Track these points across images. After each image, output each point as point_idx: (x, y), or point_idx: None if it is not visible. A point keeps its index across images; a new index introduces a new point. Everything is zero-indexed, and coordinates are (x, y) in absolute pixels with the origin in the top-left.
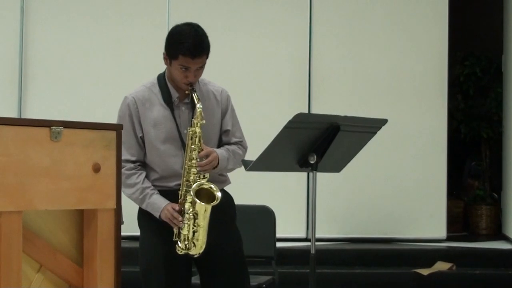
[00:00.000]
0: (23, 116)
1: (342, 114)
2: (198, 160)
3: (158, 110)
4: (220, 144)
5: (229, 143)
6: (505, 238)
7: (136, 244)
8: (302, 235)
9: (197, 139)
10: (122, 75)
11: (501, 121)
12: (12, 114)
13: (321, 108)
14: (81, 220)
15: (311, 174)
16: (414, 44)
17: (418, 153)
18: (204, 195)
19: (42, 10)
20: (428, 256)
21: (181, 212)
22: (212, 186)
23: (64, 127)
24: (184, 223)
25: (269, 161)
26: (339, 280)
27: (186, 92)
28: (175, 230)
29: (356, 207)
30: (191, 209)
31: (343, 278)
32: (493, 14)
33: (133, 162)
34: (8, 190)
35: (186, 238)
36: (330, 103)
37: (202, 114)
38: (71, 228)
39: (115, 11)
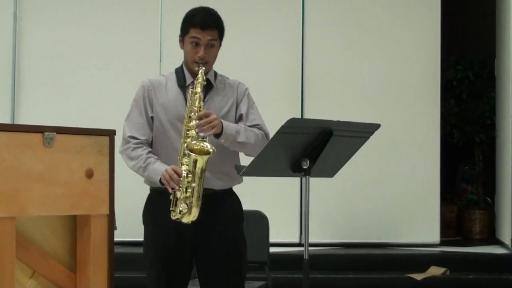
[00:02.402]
0: (16, 122)
1: (335, 119)
2: (197, 121)
3: (171, 92)
4: None
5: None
6: (498, 243)
7: (129, 250)
8: (296, 240)
9: (197, 101)
10: (115, 81)
11: (494, 125)
12: (5, 119)
13: (314, 113)
14: (74, 225)
15: (304, 179)
16: (406, 48)
17: (411, 157)
18: (198, 153)
19: (35, 17)
20: (421, 261)
21: (178, 174)
22: (204, 144)
23: (57, 133)
24: (181, 187)
25: (262, 166)
26: (332, 285)
27: (196, 68)
28: (171, 197)
29: (349, 212)
30: (185, 166)
31: (337, 283)
32: (485, 18)
33: (141, 139)
34: (1, 196)
35: (181, 202)
36: (323, 108)
37: (204, 76)
38: (64, 234)
39: (108, 18)
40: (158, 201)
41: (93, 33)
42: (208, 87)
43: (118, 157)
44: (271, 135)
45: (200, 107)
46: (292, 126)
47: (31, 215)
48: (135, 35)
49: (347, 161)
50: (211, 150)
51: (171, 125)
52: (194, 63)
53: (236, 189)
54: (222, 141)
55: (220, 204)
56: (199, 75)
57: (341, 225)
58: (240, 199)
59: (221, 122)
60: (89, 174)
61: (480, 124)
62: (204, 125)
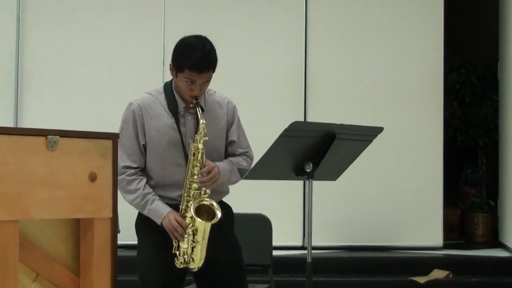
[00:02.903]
0: (19, 125)
1: (338, 122)
2: (200, 176)
3: (163, 119)
4: (226, 154)
5: (234, 154)
6: (501, 246)
7: (132, 253)
8: (299, 243)
9: (199, 155)
10: (118, 84)
11: (497, 129)
12: (9, 123)
13: (317, 116)
14: (78, 229)
15: (307, 182)
16: (409, 52)
17: (415, 160)
18: (204, 211)
19: (38, 20)
20: (424, 264)
21: (183, 226)
22: (213, 203)
23: (60, 136)
24: (184, 237)
25: (265, 169)
26: None
27: (191, 105)
28: (175, 243)
29: (352, 215)
30: (190, 225)
31: (340, 286)
32: (488, 21)
33: (134, 168)
34: (5, 199)
35: (185, 253)
36: (326, 111)
37: (205, 130)
38: (68, 237)
39: (111, 22)
40: None
41: (96, 36)
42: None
43: None
44: (274, 139)
45: (202, 162)
46: (295, 130)
47: (34, 218)
48: (138, 38)
49: (350, 164)
50: (217, 215)
51: (167, 149)
52: (188, 97)
53: (240, 192)
54: (217, 185)
55: None
56: (201, 130)
57: (344, 228)
58: (243, 203)
59: (219, 172)
60: (93, 178)
61: (483, 127)
62: (207, 182)
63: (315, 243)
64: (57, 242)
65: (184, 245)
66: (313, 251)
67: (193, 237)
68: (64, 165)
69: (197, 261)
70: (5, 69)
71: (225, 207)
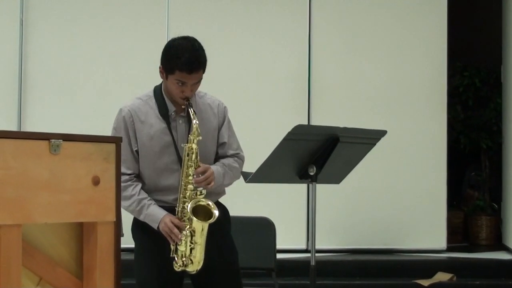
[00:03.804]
0: (22, 128)
1: (341, 125)
2: (195, 176)
3: (154, 123)
4: (216, 156)
5: (225, 156)
6: (505, 249)
7: None
8: (303, 246)
9: (193, 155)
10: (122, 86)
11: (501, 132)
12: (12, 126)
13: (320, 119)
14: (81, 233)
15: (310, 185)
16: (413, 55)
17: (418, 163)
18: (201, 211)
19: (42, 23)
20: (428, 267)
21: (179, 228)
22: (210, 203)
23: (63, 140)
24: (181, 240)
25: (268, 172)
26: None
27: (183, 106)
28: (172, 246)
29: (356, 218)
30: (188, 226)
31: None
32: (492, 25)
33: (129, 174)
34: (8, 203)
35: (183, 255)
36: (330, 115)
37: (199, 130)
38: (71, 241)
39: (115, 22)
40: None
41: (99, 39)
42: (189, 114)
43: None
44: (277, 142)
45: (197, 163)
46: (299, 133)
47: (37, 222)
48: (141, 40)
49: (353, 167)
50: (214, 214)
51: (160, 154)
52: (179, 99)
53: (243, 195)
54: (212, 187)
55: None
56: (194, 129)
57: (348, 231)
58: (247, 206)
59: (214, 173)
60: (96, 181)
61: (487, 130)
62: (202, 182)
63: (319, 246)
64: (60, 246)
65: (182, 248)
66: (317, 254)
67: (191, 238)
68: (67, 169)
69: (196, 263)
70: (9, 72)
71: (221, 208)
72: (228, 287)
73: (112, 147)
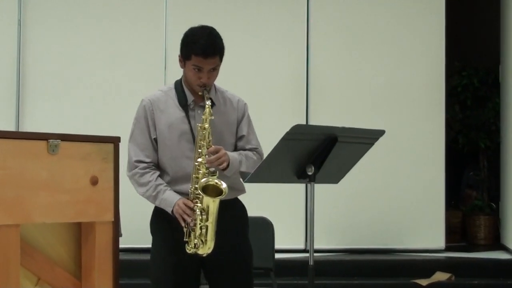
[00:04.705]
0: (21, 129)
1: (339, 125)
2: (207, 156)
3: (173, 112)
4: (235, 149)
5: (244, 149)
6: (503, 248)
7: (134, 257)
8: (301, 246)
9: (206, 135)
10: (120, 88)
11: (499, 131)
12: (10, 127)
13: (319, 119)
14: (79, 233)
15: (309, 185)
16: (411, 55)
17: (416, 163)
18: (211, 191)
19: (39, 24)
20: (427, 266)
21: (193, 210)
22: (217, 181)
23: (62, 140)
24: (194, 221)
25: (267, 172)
26: None
27: (199, 93)
28: (185, 229)
29: (354, 218)
30: (199, 205)
31: None
32: (490, 24)
33: (147, 163)
34: (6, 203)
35: (195, 236)
36: (328, 114)
37: (211, 110)
38: (69, 241)
39: (113, 25)
40: (165, 212)
41: (97, 39)
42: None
43: (122, 164)
44: (275, 142)
45: (209, 143)
46: (297, 133)
47: (36, 222)
48: (139, 41)
49: (352, 167)
50: (224, 189)
51: (178, 141)
52: (197, 86)
53: (242, 195)
54: (227, 173)
55: (224, 212)
56: (206, 110)
57: (346, 231)
58: (246, 206)
59: (228, 156)
60: (94, 181)
61: (485, 130)
62: (214, 161)
63: (317, 246)
64: (58, 246)
65: (195, 232)
66: (315, 254)
67: (201, 217)
68: (65, 169)
69: (207, 245)
70: (7, 72)
71: (239, 207)
72: (237, 283)
73: (110, 147)
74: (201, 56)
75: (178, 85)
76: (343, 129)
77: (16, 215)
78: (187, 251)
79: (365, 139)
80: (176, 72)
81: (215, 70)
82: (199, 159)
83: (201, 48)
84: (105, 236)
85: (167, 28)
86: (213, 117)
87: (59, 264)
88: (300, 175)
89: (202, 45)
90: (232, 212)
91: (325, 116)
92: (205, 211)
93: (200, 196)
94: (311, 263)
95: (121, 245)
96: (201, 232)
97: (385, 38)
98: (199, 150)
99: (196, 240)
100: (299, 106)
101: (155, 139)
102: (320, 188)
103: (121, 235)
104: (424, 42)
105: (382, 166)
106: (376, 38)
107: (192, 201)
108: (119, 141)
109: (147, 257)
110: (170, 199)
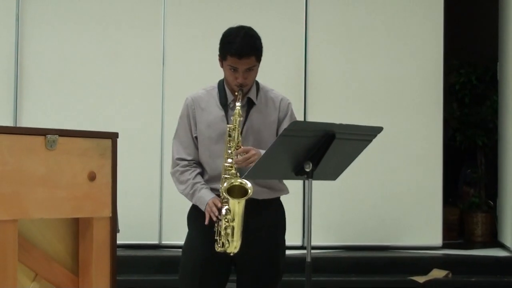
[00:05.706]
0: (18, 124)
1: (337, 122)
2: (236, 157)
3: (213, 111)
4: None
5: None
6: (500, 246)
7: (132, 253)
8: (298, 243)
9: (235, 135)
10: (117, 84)
11: (497, 129)
12: (8, 122)
13: (316, 116)
14: (77, 228)
15: (306, 182)
16: (409, 52)
17: (414, 160)
18: (237, 191)
19: (38, 19)
20: (424, 263)
21: (220, 209)
22: (243, 181)
23: (59, 136)
24: (220, 219)
25: (265, 169)
26: None
27: (236, 93)
28: (215, 228)
29: (352, 215)
30: (226, 206)
31: (339, 286)
32: (488, 22)
33: (189, 160)
34: (4, 198)
35: (223, 235)
36: (326, 111)
37: (241, 112)
38: (67, 237)
39: (111, 21)
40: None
41: (96, 36)
42: (249, 104)
43: (120, 159)
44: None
45: (238, 143)
46: (295, 129)
47: (33, 218)
48: (137, 37)
49: (349, 164)
50: (249, 190)
51: (216, 140)
52: (234, 86)
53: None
54: None
55: (261, 211)
56: (236, 110)
57: (344, 228)
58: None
59: (260, 155)
60: (92, 177)
61: (483, 127)
62: (241, 162)
63: (314, 242)
64: (56, 241)
65: (221, 228)
66: (312, 251)
67: (227, 217)
68: (63, 164)
69: (233, 245)
70: (4, 68)
71: (278, 207)
72: (265, 278)
73: (108, 143)
74: (236, 56)
75: (220, 85)
76: (341, 126)
77: (14, 211)
78: (216, 249)
79: (363, 136)
80: (174, 68)
81: (251, 70)
82: (229, 160)
83: (235, 48)
84: (103, 231)
85: (165, 26)
86: (242, 118)
87: (57, 259)
88: (298, 172)
89: (236, 45)
90: (269, 211)
91: (323, 113)
92: (231, 211)
93: (224, 197)
94: (308, 259)
95: (119, 241)
96: (226, 232)
97: (383, 36)
98: (229, 151)
99: (223, 239)
100: (297, 103)
101: (196, 137)
102: (317, 185)
103: (118, 231)
104: (422, 40)
105: (380, 163)
106: (374, 35)
107: (221, 201)
108: (117, 137)
109: (144, 253)
110: (204, 198)
